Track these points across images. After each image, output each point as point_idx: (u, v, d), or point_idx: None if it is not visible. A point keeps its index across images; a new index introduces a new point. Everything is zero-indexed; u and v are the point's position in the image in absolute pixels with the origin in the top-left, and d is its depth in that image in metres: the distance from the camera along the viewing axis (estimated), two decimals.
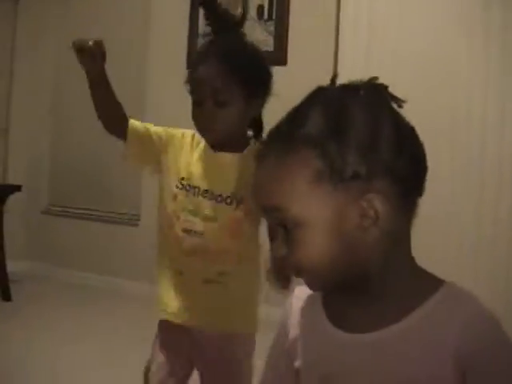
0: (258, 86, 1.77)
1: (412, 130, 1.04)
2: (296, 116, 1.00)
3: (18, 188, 4.60)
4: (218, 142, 1.79)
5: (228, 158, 1.79)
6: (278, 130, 1.01)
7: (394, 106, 1.04)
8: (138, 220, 4.93)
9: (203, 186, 1.77)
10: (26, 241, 5.40)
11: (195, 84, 1.75)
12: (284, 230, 0.98)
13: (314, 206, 0.96)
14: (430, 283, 1.01)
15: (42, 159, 5.52)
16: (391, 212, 0.97)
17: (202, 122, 1.76)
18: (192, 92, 1.76)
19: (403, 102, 1.04)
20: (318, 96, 1.02)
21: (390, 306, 1.00)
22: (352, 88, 1.02)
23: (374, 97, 1.01)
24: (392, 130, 0.99)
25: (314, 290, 1.06)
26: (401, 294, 1.01)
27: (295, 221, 0.97)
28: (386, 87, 1.04)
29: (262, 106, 1.81)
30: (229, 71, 1.71)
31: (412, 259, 1.04)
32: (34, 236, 5.44)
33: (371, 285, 1.01)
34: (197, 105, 1.75)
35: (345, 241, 0.97)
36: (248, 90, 1.73)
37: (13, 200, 4.66)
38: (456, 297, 0.99)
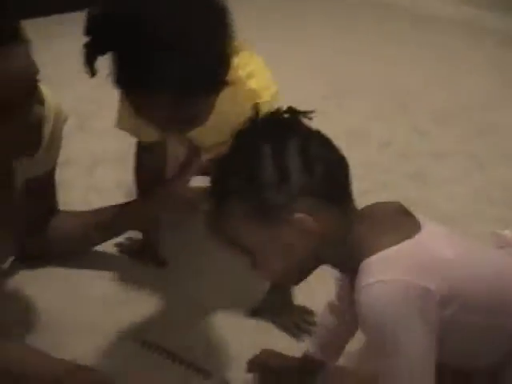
0: None
1: (322, 142, 1.14)
2: (220, 171, 1.15)
3: None
4: None
5: None
6: (211, 186, 1.17)
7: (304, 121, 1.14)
8: None
9: None
10: None
11: None
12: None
13: (255, 238, 1.12)
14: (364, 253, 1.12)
15: None
16: (325, 219, 1.10)
17: None
18: None
19: (311, 113, 1.14)
20: (235, 144, 1.14)
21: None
22: (255, 126, 1.14)
23: (273, 129, 1.12)
24: (297, 155, 1.09)
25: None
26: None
27: (246, 250, 1.15)
28: (285, 112, 1.14)
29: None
30: None
31: (357, 230, 1.14)
32: None
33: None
34: None
35: (292, 255, 1.13)
36: None
37: None
38: (360, 279, 1.10)
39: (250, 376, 1.38)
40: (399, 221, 1.16)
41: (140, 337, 1.49)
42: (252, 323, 1.56)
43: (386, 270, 1.08)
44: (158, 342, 1.47)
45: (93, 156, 2.19)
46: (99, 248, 1.73)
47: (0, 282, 1.61)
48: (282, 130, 1.12)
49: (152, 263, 1.76)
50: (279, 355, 1.38)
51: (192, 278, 1.70)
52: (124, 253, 1.80)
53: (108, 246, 1.75)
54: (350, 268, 1.14)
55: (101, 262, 1.72)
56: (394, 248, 1.10)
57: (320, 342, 1.35)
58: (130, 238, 1.82)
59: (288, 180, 1.09)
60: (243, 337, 1.51)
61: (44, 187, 1.65)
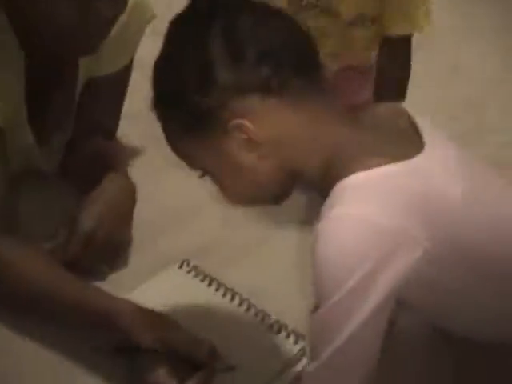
0: None
1: (257, 17, 0.90)
2: (153, 73, 0.95)
3: None
4: None
5: None
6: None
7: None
8: None
9: None
10: None
11: None
12: None
13: (200, 157, 0.94)
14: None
15: None
16: (274, 120, 0.88)
17: None
18: None
19: None
20: (165, 37, 0.95)
21: None
22: (185, 10, 0.93)
23: (196, 12, 0.91)
24: (220, 42, 0.88)
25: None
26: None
27: (204, 172, 0.96)
28: None
29: None
30: None
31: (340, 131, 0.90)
32: None
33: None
34: None
35: (251, 172, 0.92)
36: None
37: None
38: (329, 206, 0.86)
39: None
40: (398, 133, 0.90)
41: None
42: None
43: (358, 201, 0.83)
44: None
45: None
46: None
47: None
48: (208, 10, 0.90)
49: None
50: None
51: None
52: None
53: None
54: (327, 191, 0.88)
55: None
56: (380, 170, 0.84)
57: None
58: None
59: (211, 77, 0.87)
60: None
61: (104, 93, 1.43)
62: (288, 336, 1.20)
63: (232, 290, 1.27)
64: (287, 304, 1.27)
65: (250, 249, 1.41)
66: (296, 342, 1.19)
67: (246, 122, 0.87)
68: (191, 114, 0.89)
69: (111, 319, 1.07)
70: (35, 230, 1.30)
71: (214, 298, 1.25)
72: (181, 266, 1.31)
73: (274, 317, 1.23)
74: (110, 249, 1.27)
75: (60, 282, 1.13)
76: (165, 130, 0.96)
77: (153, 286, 1.25)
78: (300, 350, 1.18)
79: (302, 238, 1.40)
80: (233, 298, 1.25)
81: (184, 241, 1.39)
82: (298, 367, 1.16)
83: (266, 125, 0.88)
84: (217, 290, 1.27)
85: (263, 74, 0.87)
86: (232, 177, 0.93)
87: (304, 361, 1.17)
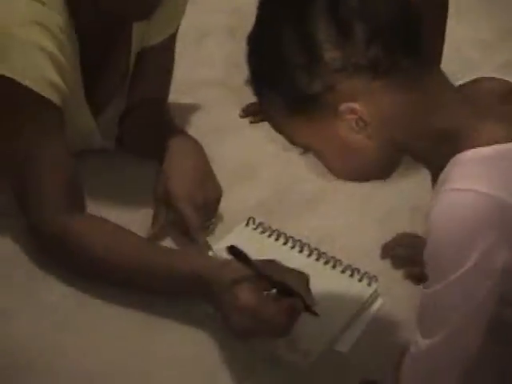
0: None
1: None
2: (249, 54, 0.91)
3: None
4: None
5: None
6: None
7: None
8: None
9: None
10: None
11: None
12: None
13: (305, 138, 0.90)
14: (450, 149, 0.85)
15: None
16: (386, 100, 0.85)
17: None
18: None
19: None
20: (258, 16, 0.90)
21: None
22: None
23: None
24: (325, 20, 0.83)
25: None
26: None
27: (307, 150, 0.94)
28: None
29: None
30: None
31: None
32: None
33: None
34: None
35: (359, 151, 0.89)
36: None
37: None
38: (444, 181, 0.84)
39: None
40: None
41: None
42: None
43: (481, 178, 0.80)
44: None
45: (201, 29, 2.00)
46: None
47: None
48: None
49: None
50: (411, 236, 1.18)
51: None
52: (255, 121, 1.62)
53: None
54: (436, 164, 0.87)
55: None
56: (501, 147, 0.81)
57: None
58: (253, 103, 1.60)
59: (318, 58, 0.83)
60: None
61: (155, 62, 1.46)
62: (361, 279, 1.22)
63: (300, 241, 1.29)
64: (356, 249, 1.29)
65: (312, 202, 1.43)
66: (369, 284, 1.21)
67: (356, 106, 0.84)
68: (296, 95, 0.86)
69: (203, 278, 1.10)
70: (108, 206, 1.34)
71: (283, 251, 1.28)
72: (247, 224, 1.33)
73: (345, 262, 1.25)
74: (210, 206, 1.32)
75: (149, 251, 1.19)
76: (264, 107, 0.93)
77: (223, 246, 1.26)
78: (374, 291, 1.20)
79: (362, 191, 1.41)
80: (302, 249, 1.28)
81: (247, 198, 1.41)
82: (374, 308, 1.19)
83: (377, 106, 0.85)
84: (285, 243, 1.30)
85: (372, 54, 0.83)
86: (340, 155, 0.91)
87: (379, 302, 1.20)
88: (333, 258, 1.26)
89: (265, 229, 1.32)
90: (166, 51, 1.47)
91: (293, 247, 1.28)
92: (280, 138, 1.56)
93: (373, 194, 1.42)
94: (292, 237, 1.30)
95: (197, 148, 1.37)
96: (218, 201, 1.34)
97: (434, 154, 0.87)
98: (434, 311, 0.85)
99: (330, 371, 1.11)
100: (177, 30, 1.46)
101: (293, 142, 0.93)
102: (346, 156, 0.90)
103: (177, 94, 1.60)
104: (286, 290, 1.08)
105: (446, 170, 0.84)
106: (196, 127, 1.60)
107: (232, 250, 1.09)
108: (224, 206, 1.36)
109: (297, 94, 0.86)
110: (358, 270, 1.23)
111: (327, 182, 1.44)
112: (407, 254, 1.19)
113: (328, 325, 1.14)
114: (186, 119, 1.64)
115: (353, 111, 0.85)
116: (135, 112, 1.46)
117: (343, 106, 0.85)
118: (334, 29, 0.83)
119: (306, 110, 0.87)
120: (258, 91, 0.92)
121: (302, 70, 0.84)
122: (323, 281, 1.20)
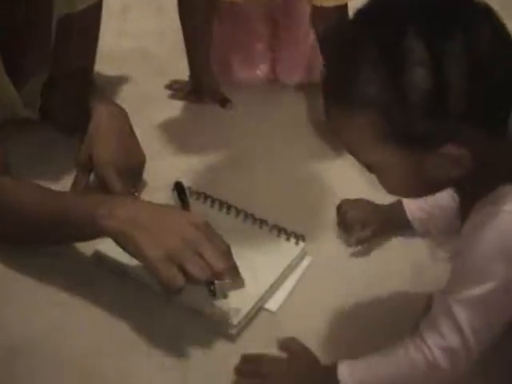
0: None
1: (494, 34, 0.79)
2: (344, 70, 0.84)
3: None
4: None
5: None
6: (334, 91, 0.86)
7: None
8: None
9: None
10: None
11: None
12: None
13: (382, 160, 0.86)
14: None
15: None
16: (478, 149, 0.82)
17: None
18: None
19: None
20: (358, 39, 0.83)
21: None
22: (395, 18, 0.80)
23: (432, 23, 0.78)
24: (462, 60, 0.77)
25: None
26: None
27: (365, 165, 0.90)
28: None
29: None
30: None
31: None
32: None
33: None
34: None
35: (424, 181, 0.88)
36: None
37: None
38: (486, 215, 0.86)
39: None
40: None
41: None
42: None
43: None
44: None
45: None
46: None
47: None
48: (448, 10, 0.79)
49: (212, 102, 1.60)
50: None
51: None
52: (177, 97, 1.63)
53: None
54: (473, 191, 0.89)
55: None
56: None
57: None
58: (176, 81, 1.65)
59: (442, 102, 0.78)
60: None
61: (78, 31, 1.41)
62: (288, 239, 1.22)
63: (226, 203, 1.28)
64: (282, 210, 1.29)
65: (237, 166, 1.43)
66: (297, 244, 1.21)
67: (461, 151, 0.81)
68: (406, 130, 0.81)
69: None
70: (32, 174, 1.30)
71: (210, 212, 1.27)
72: (174, 189, 1.32)
73: (271, 222, 1.24)
74: (134, 173, 1.31)
75: (44, 194, 1.15)
76: (345, 123, 0.85)
77: None
78: (301, 250, 1.20)
79: (288, 156, 1.44)
80: (228, 211, 1.27)
81: (173, 165, 1.41)
82: (302, 267, 1.19)
83: (473, 153, 0.82)
84: (212, 206, 1.29)
85: (490, 106, 0.80)
86: (406, 180, 0.88)
87: (307, 261, 1.20)
88: (259, 219, 1.25)
89: (191, 193, 1.31)
90: (89, 20, 1.43)
91: (220, 209, 1.28)
92: (208, 108, 1.59)
93: (296, 154, 1.45)
94: (219, 199, 1.29)
95: (122, 115, 1.35)
96: (142, 167, 1.33)
97: (479, 184, 0.88)
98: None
99: (260, 331, 1.11)
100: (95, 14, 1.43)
101: (356, 156, 0.88)
102: (410, 180, 0.88)
103: (102, 65, 1.59)
104: None
105: (502, 191, 0.86)
106: (122, 97, 1.58)
107: (177, 185, 1.22)
108: (150, 172, 1.35)
109: (405, 127, 0.81)
110: (285, 230, 1.23)
111: (253, 144, 1.47)
112: (358, 218, 1.23)
113: (256, 284, 1.13)
114: (112, 89, 1.62)
115: (453, 155, 0.82)
116: (59, 81, 1.42)
117: (449, 148, 0.81)
118: (468, 73, 0.77)
119: (403, 143, 0.82)
120: (346, 107, 0.84)
121: (421, 104, 0.78)
122: (251, 241, 1.20)
